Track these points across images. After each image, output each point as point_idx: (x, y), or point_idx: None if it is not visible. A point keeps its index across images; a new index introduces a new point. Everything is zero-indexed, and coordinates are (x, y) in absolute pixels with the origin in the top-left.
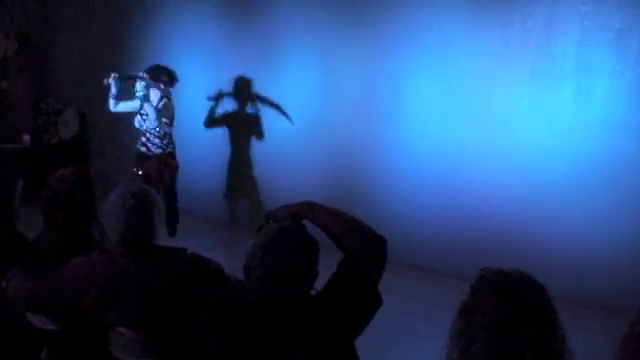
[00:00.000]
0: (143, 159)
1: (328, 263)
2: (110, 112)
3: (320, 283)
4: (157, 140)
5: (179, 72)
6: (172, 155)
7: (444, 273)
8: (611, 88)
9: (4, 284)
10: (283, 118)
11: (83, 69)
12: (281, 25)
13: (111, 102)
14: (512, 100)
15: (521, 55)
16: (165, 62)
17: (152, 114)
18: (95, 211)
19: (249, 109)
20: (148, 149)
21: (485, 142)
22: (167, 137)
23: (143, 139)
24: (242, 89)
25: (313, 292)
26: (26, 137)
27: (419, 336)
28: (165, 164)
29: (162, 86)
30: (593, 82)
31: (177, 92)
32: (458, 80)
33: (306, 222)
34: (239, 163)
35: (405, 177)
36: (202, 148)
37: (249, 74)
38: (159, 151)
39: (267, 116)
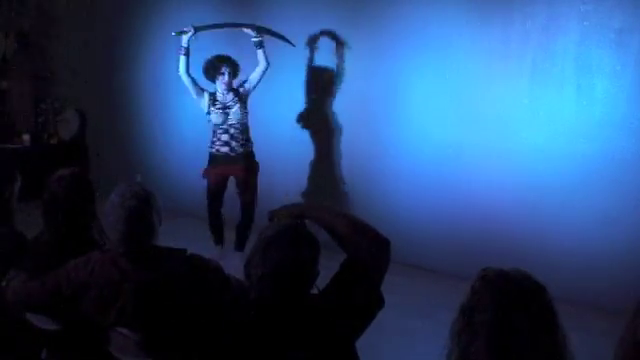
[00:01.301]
0: (224, 161)
1: (328, 263)
2: (110, 112)
3: (322, 283)
4: (241, 136)
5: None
6: (253, 158)
7: (444, 273)
8: (611, 88)
9: (4, 284)
10: (280, 118)
11: (83, 69)
12: (280, 24)
13: (182, 63)
14: (512, 100)
15: (521, 54)
16: (164, 62)
17: (235, 102)
18: (94, 211)
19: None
20: (232, 148)
21: (484, 142)
22: (248, 132)
23: (224, 137)
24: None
25: (315, 291)
26: (26, 137)
27: (419, 336)
28: (249, 167)
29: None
30: (593, 82)
31: (176, 91)
32: (457, 79)
33: (309, 222)
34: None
35: (404, 177)
36: (200, 147)
37: (249, 72)
38: (242, 150)
39: (266, 116)
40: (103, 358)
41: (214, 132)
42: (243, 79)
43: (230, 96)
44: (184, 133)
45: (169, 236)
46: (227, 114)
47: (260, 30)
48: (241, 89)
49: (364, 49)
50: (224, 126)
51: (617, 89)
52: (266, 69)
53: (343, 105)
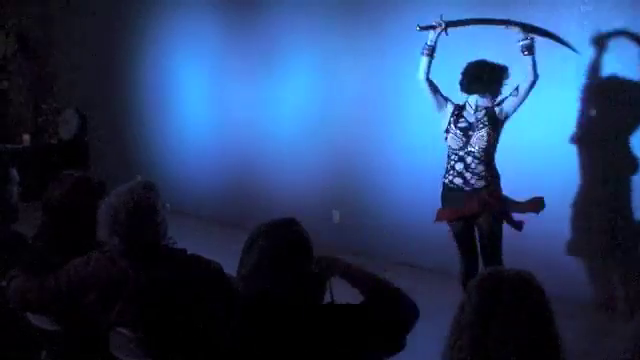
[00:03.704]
0: (457, 196)
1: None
2: (110, 112)
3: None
4: (481, 168)
5: (179, 72)
6: (495, 192)
7: (444, 273)
8: (612, 88)
9: (4, 284)
10: (280, 119)
11: (83, 69)
12: (282, 24)
13: (423, 65)
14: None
15: (521, 54)
16: (165, 62)
17: (479, 123)
18: (95, 213)
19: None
20: (466, 181)
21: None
22: (492, 164)
23: (458, 166)
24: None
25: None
26: (26, 137)
27: (419, 336)
28: (486, 205)
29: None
30: (594, 81)
31: (175, 91)
32: (457, 79)
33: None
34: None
35: (405, 176)
36: (200, 147)
37: (249, 73)
38: (481, 184)
39: (265, 118)
40: (103, 358)
41: (448, 157)
42: (504, 96)
43: (480, 114)
44: (184, 133)
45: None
46: (468, 137)
47: (529, 30)
48: (497, 109)
49: (366, 49)
50: (461, 152)
51: (618, 89)
52: (533, 84)
53: (346, 104)
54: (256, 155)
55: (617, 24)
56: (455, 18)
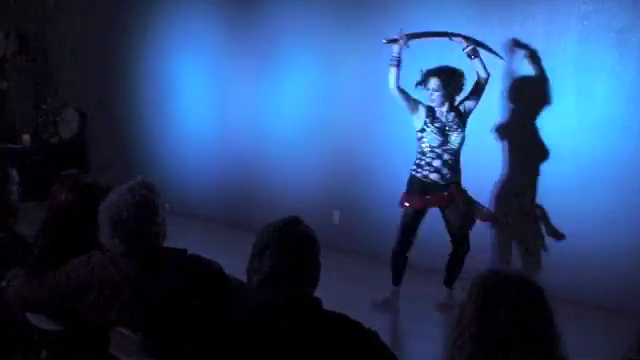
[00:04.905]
0: (429, 189)
1: (327, 262)
2: (110, 112)
3: (322, 283)
4: (456, 163)
5: (179, 72)
6: (463, 190)
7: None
8: (612, 88)
9: (4, 284)
10: (280, 120)
11: (83, 69)
12: (282, 25)
13: (392, 75)
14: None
15: (521, 54)
16: (165, 62)
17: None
18: (96, 215)
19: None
20: (442, 176)
21: (485, 141)
22: (460, 159)
23: (436, 162)
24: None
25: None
26: (26, 137)
27: (419, 336)
28: (453, 200)
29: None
30: (593, 82)
31: (175, 91)
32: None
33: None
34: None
35: (405, 177)
36: (200, 147)
37: (250, 74)
38: (456, 178)
39: (265, 118)
40: (103, 358)
41: (422, 153)
42: (465, 96)
43: (451, 116)
44: (184, 133)
45: (169, 236)
46: (446, 136)
47: (469, 41)
48: (461, 107)
49: (366, 49)
50: (438, 150)
51: (617, 89)
52: (487, 81)
53: (346, 104)
54: (256, 155)
55: (617, 24)
56: (451, 16)
